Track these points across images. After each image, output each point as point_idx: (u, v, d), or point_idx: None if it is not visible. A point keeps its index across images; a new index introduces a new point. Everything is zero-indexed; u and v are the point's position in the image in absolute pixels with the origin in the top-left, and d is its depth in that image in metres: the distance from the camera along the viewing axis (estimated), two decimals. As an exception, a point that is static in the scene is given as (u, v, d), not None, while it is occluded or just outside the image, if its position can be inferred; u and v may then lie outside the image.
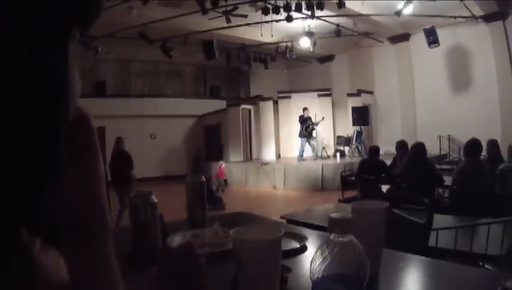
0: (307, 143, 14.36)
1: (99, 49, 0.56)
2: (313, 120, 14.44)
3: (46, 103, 0.42)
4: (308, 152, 14.48)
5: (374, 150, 7.32)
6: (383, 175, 6.60)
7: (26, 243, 0.38)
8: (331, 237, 0.64)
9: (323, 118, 14.62)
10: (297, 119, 14.60)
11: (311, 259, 0.65)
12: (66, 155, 0.44)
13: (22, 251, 0.38)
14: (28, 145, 0.41)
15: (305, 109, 14.40)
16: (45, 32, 0.42)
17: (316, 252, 0.64)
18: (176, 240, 1.42)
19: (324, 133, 15.78)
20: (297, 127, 14.63)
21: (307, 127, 14.16)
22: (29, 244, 0.38)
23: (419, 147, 5.62)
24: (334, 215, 0.64)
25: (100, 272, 0.45)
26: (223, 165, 13.29)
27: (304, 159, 14.15)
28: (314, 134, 14.56)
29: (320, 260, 0.63)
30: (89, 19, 0.50)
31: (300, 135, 14.37)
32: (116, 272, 0.47)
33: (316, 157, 14.25)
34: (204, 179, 1.76)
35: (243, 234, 0.74)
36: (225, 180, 12.96)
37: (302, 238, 1.37)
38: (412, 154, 5.66)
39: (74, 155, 0.47)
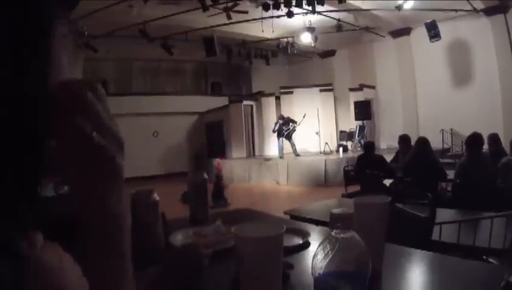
0: (286, 141, 14.50)
1: (86, 32, 0.55)
2: (296, 120, 14.48)
3: (27, 85, 0.42)
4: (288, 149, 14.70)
5: (369, 145, 7.36)
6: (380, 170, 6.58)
7: (15, 239, 0.37)
8: (333, 233, 0.64)
9: (304, 116, 14.60)
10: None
11: (313, 255, 0.65)
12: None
13: (9, 248, 0.37)
14: (10, 136, 0.40)
15: (280, 117, 14.55)
16: (29, 9, 0.41)
17: (317, 248, 0.64)
18: (178, 237, 1.41)
19: (326, 129, 15.78)
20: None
21: (281, 131, 14.30)
22: (17, 240, 0.37)
23: (423, 142, 5.63)
24: (335, 210, 0.64)
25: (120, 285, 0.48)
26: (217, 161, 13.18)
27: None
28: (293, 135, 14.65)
29: (322, 256, 0.63)
30: None
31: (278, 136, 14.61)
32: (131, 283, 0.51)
33: (297, 153, 14.43)
34: (206, 176, 1.75)
35: (244, 231, 0.73)
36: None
37: (304, 234, 1.36)
38: (416, 149, 5.66)
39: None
